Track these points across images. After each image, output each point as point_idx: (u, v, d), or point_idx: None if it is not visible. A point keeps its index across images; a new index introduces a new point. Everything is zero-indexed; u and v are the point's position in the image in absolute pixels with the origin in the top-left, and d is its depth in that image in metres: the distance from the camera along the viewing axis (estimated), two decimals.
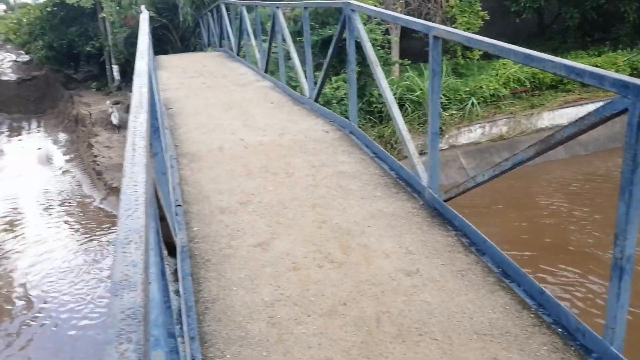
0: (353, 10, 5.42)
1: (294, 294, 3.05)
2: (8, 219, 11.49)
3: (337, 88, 10.80)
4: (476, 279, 3.16)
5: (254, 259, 3.39)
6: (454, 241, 3.57)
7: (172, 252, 3.45)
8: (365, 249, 3.49)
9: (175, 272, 3.31)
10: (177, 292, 3.10)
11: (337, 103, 10.28)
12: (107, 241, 10.02)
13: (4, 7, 76.66)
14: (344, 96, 10.64)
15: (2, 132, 19.88)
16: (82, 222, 11.17)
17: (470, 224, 3.64)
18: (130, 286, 1.01)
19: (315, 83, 6.70)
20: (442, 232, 3.70)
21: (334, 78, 10.59)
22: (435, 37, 3.81)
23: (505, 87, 12.21)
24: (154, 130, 3.50)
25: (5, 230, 10.88)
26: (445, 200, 3.93)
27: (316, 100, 6.68)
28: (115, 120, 13.48)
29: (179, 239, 3.61)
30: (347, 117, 6.03)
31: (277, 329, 2.79)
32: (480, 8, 13.24)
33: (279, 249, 3.50)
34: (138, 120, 1.92)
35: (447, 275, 3.20)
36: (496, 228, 8.62)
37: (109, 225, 10.76)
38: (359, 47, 5.47)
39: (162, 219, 2.79)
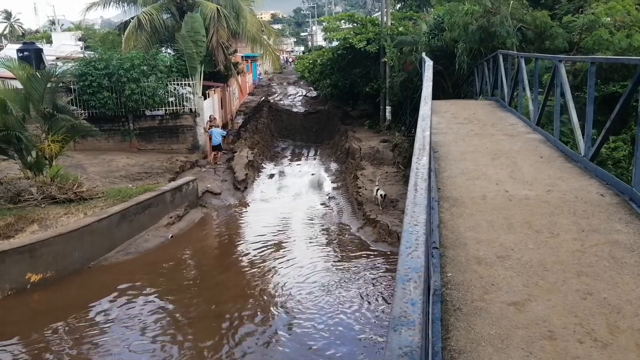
0: None
1: None
2: (278, 232, 12.98)
3: (615, 149, 9.82)
4: None
5: (507, 318, 3.24)
6: None
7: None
8: (638, 334, 3.07)
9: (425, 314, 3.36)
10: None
11: (612, 165, 9.35)
12: (355, 267, 10.61)
13: (302, 48, 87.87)
14: (622, 158, 9.62)
15: (286, 157, 22.64)
16: (337, 246, 12.03)
17: None
18: (409, 324, 1.07)
19: (593, 141, 6.19)
20: None
21: (612, 138, 9.67)
22: None
23: None
24: None
25: (274, 241, 12.31)
26: None
27: (592, 159, 6.16)
28: (380, 194, 13.33)
29: (433, 281, 3.65)
30: (626, 181, 5.43)
31: None
32: None
33: (535, 312, 3.29)
34: (421, 163, 2.02)
35: None
36: None
37: (360, 253, 11.38)
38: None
39: None
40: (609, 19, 11.66)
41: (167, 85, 18.65)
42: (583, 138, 6.35)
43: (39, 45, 26.11)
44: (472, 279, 3.71)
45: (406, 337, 1.04)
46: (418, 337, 1.03)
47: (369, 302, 9.21)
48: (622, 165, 8.81)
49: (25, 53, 20.51)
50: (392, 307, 1.13)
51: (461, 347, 3.00)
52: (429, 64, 4.89)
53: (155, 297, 9.70)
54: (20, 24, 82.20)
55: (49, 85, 12.47)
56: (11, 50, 24.66)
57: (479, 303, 3.43)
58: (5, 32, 77.00)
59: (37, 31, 57.93)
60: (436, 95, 15.76)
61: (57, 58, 23.09)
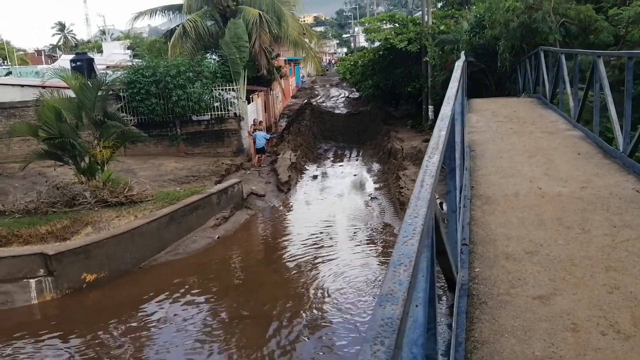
0: None
1: (567, 356, 2.91)
2: (321, 233, 13.17)
3: None
4: None
5: (531, 311, 3.33)
6: None
7: (451, 287, 3.64)
8: None
9: (451, 307, 3.48)
10: (449, 326, 3.27)
11: None
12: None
13: (345, 50, 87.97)
14: None
15: (329, 158, 22.84)
16: (380, 247, 12.12)
17: None
18: (393, 300, 1.24)
19: (632, 137, 6.14)
20: None
21: None
22: None
23: None
24: (450, 170, 3.76)
25: (317, 242, 12.50)
26: None
27: (630, 156, 6.10)
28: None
29: (460, 276, 3.76)
30: None
31: None
32: None
33: (560, 306, 3.36)
34: (431, 161, 2.17)
35: None
36: None
37: None
38: None
39: (442, 253, 2.99)
40: None
41: (212, 90, 19.14)
42: (621, 134, 6.30)
43: (90, 55, 27.25)
44: (500, 274, 3.81)
45: (389, 311, 1.19)
46: (399, 311, 1.18)
47: None
48: None
49: (78, 63, 21.47)
50: (381, 287, 1.29)
51: (484, 338, 3.11)
52: (458, 64, 4.97)
53: (203, 297, 10.03)
54: (73, 35, 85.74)
55: (99, 93, 13.02)
56: (65, 60, 25.80)
57: (504, 297, 3.53)
58: (59, 44, 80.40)
59: (88, 41, 60.39)
60: (479, 93, 15.69)
61: (107, 67, 24.04)
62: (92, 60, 23.60)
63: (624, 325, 3.13)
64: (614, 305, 3.34)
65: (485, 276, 3.80)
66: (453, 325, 3.21)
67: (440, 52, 20.26)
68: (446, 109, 3.16)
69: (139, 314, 9.33)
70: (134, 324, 8.98)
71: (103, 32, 57.56)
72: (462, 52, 12.72)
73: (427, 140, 15.22)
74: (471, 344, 3.08)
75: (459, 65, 5.02)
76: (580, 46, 12.37)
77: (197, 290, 10.30)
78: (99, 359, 8.03)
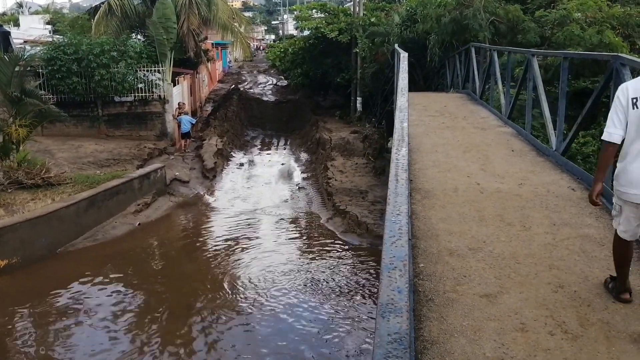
0: (623, 65, 4.96)
1: (518, 356, 2.84)
2: (247, 222, 12.85)
3: (584, 144, 9.99)
4: None
5: (479, 310, 3.25)
6: None
7: None
8: (607, 327, 3.11)
9: None
10: None
11: (582, 160, 9.52)
12: (323, 258, 10.58)
13: (273, 37, 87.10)
14: (590, 153, 9.79)
15: (256, 145, 22.46)
16: (306, 237, 11.98)
17: None
18: (397, 311, 1.04)
19: (564, 136, 6.28)
20: None
21: (581, 133, 9.82)
22: None
23: None
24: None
25: (242, 231, 12.20)
26: None
27: (563, 154, 6.24)
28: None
29: None
30: None
31: None
32: None
33: (507, 305, 3.30)
34: (400, 153, 1.98)
35: None
36: None
37: (329, 244, 11.34)
38: None
39: None
40: (580, 14, 11.79)
41: (136, 71, 18.24)
42: (554, 132, 6.42)
43: (6, 28, 25.34)
44: (444, 271, 3.71)
45: (394, 324, 1.02)
46: (406, 324, 1.01)
47: (331, 295, 9.12)
48: (591, 160, 8.96)
49: None
50: (379, 294, 1.12)
51: (434, 338, 2.98)
52: (404, 55, 4.87)
53: (121, 286, 9.51)
54: None
55: (17, 69, 12.11)
56: None
57: (451, 294, 3.42)
58: None
59: (3, 14, 56.21)
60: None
61: (25, 41, 22.41)
62: (8, 33, 21.97)
63: (570, 325, 3.11)
64: (559, 304, 3.32)
65: (430, 272, 3.70)
66: None
67: (371, 44, 20.33)
68: (402, 100, 3.01)
69: (52, 302, 8.73)
70: (46, 313, 8.41)
71: (20, 5, 53.85)
72: (396, 45, 12.75)
73: (356, 132, 15.33)
74: (421, 344, 2.94)
75: (404, 57, 4.91)
76: (508, 45, 12.70)
77: (114, 279, 9.78)
78: None
